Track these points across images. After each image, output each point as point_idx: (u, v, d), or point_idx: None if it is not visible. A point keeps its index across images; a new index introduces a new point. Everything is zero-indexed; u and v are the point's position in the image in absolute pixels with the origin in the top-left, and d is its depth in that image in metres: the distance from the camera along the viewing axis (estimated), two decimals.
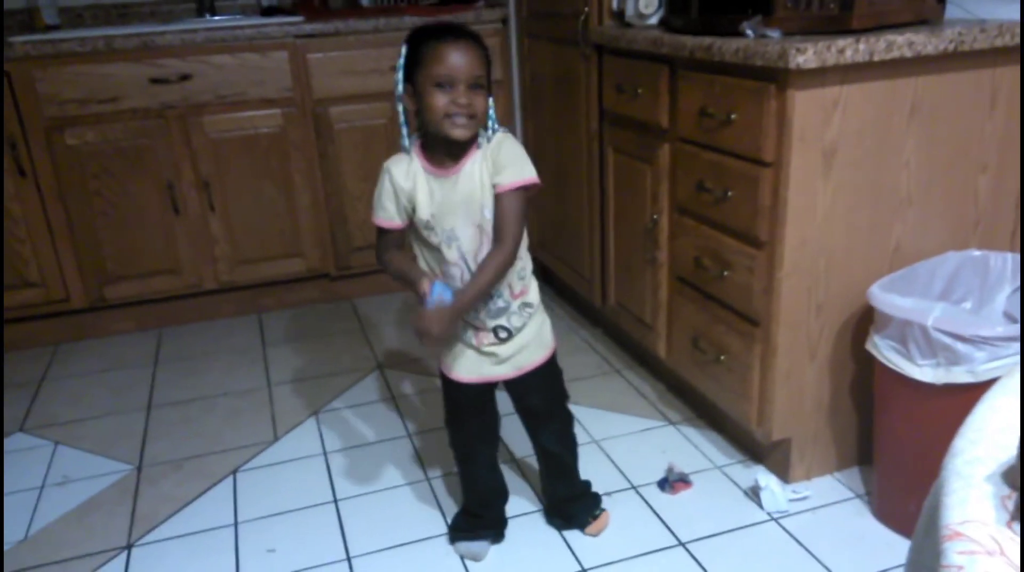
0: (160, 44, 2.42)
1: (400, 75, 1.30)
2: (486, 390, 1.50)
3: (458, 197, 1.32)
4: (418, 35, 1.29)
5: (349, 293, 2.89)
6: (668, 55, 1.74)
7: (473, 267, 1.36)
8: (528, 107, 2.71)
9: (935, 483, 0.65)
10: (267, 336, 2.64)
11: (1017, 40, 1.50)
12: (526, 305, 1.43)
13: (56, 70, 2.36)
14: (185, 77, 2.46)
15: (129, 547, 1.67)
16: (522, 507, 1.71)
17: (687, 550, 1.57)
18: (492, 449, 1.58)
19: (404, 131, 1.35)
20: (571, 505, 1.63)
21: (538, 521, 1.67)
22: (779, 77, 1.43)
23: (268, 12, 2.87)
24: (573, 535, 1.62)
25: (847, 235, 1.55)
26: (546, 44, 2.45)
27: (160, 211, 2.56)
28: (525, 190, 1.31)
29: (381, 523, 1.69)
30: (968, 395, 1.32)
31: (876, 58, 1.42)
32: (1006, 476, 0.62)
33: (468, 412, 1.51)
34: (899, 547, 1.52)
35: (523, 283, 1.42)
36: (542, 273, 2.75)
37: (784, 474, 1.73)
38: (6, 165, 2.39)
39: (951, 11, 1.67)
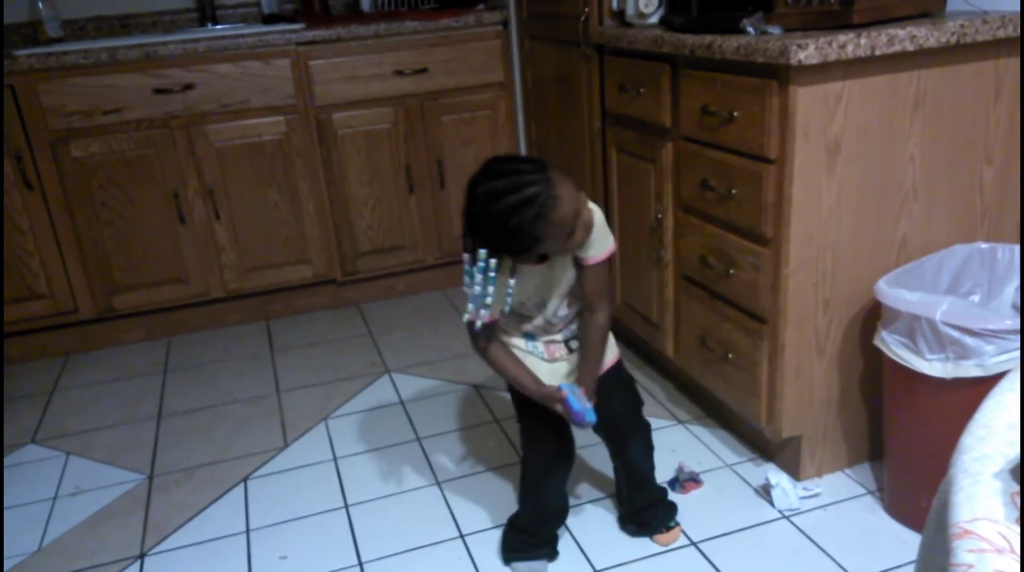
0: (163, 54, 2.43)
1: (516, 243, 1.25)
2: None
3: (553, 279, 1.37)
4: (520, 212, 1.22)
5: (356, 298, 2.90)
6: (669, 54, 1.74)
7: (553, 319, 1.41)
8: (530, 109, 2.71)
9: (943, 481, 0.65)
10: (275, 343, 2.64)
11: (1020, 31, 1.49)
12: (573, 331, 1.47)
13: (60, 82, 2.37)
14: (188, 86, 2.47)
15: (142, 556, 1.67)
16: None
17: (699, 549, 1.57)
18: (567, 469, 1.54)
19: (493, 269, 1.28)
20: (648, 512, 1.61)
21: None
22: (781, 74, 1.43)
23: (270, 20, 2.88)
24: (585, 535, 1.62)
25: (853, 230, 1.55)
26: (547, 45, 2.45)
27: (166, 220, 2.57)
28: (609, 258, 1.38)
29: (392, 528, 1.69)
30: (978, 389, 1.31)
31: (878, 52, 1.41)
32: (1015, 473, 0.62)
33: (546, 429, 1.47)
34: (911, 542, 1.51)
35: (575, 317, 1.45)
36: None
37: (795, 471, 1.73)
38: (13, 178, 2.40)
39: (952, 3, 1.66)
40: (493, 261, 1.25)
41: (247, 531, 1.72)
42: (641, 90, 1.88)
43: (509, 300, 1.32)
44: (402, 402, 2.21)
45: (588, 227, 1.30)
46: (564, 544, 1.61)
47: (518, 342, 1.45)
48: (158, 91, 2.45)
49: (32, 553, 1.71)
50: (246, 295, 2.75)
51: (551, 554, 1.57)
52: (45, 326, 2.60)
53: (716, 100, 1.61)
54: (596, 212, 1.33)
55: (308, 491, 1.84)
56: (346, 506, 1.78)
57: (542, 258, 1.34)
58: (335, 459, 1.96)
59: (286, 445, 2.04)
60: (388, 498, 1.80)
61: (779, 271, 1.54)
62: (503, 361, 1.41)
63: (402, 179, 2.75)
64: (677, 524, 1.62)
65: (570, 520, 1.66)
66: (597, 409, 1.41)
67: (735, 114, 1.55)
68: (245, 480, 1.90)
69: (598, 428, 1.45)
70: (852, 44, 1.39)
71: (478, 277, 1.27)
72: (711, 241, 1.72)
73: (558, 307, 1.40)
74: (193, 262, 2.63)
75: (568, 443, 1.52)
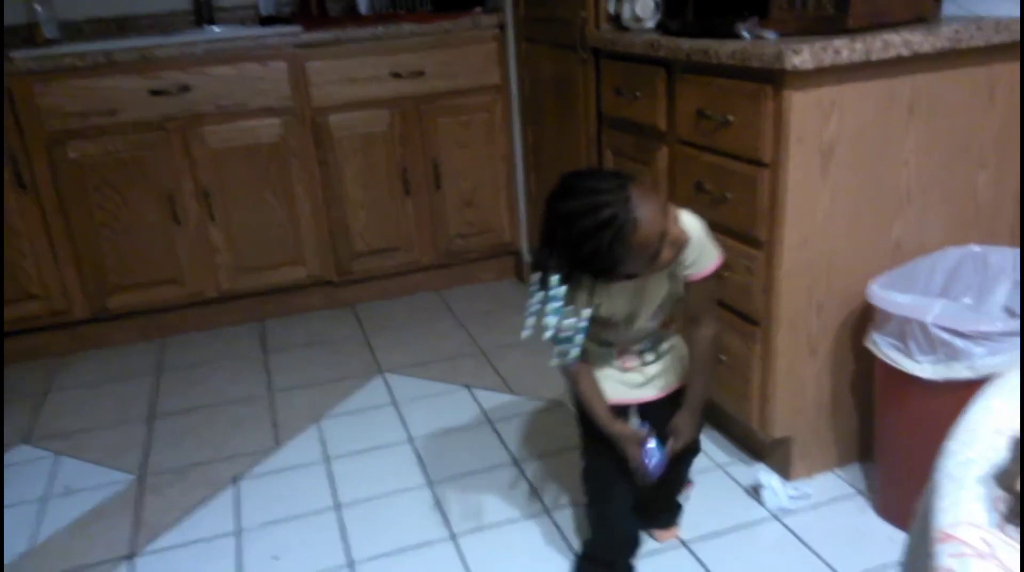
0: (160, 56, 2.43)
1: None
2: (626, 416, 1.43)
3: (646, 294, 1.30)
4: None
5: (351, 299, 2.90)
6: (665, 58, 1.74)
7: (639, 333, 1.35)
8: (527, 112, 2.71)
9: (927, 485, 0.65)
10: (269, 344, 2.64)
11: (1015, 37, 1.49)
12: (668, 329, 1.42)
13: (57, 84, 2.37)
14: (185, 88, 2.47)
15: (133, 556, 1.67)
16: (522, 510, 1.71)
17: (689, 549, 1.57)
18: (631, 487, 1.43)
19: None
20: (662, 511, 1.60)
21: (541, 523, 1.67)
22: (775, 78, 1.43)
23: (267, 22, 2.88)
24: (576, 536, 1.62)
25: (847, 234, 1.55)
26: (544, 49, 2.46)
27: (161, 222, 2.56)
28: (718, 270, 1.31)
29: (384, 528, 1.69)
30: (968, 391, 1.31)
31: (873, 58, 1.41)
32: (998, 478, 0.62)
33: (611, 446, 1.38)
34: (901, 543, 1.50)
35: (670, 312, 1.40)
36: None
37: (786, 472, 1.73)
38: (8, 179, 2.40)
39: (948, 8, 1.67)
40: (562, 289, 1.19)
41: (238, 531, 1.72)
42: (637, 94, 1.89)
43: (584, 324, 1.24)
44: (395, 403, 2.21)
45: (678, 245, 1.22)
46: (552, 539, 1.61)
47: (591, 346, 1.36)
48: (154, 93, 2.45)
49: (23, 553, 1.70)
50: (240, 296, 2.75)
51: None
52: (38, 327, 2.59)
53: (711, 104, 1.61)
54: (694, 225, 1.26)
55: (300, 491, 1.84)
56: (338, 506, 1.78)
57: (631, 275, 1.24)
58: (327, 459, 1.96)
59: (278, 445, 2.04)
60: (380, 498, 1.80)
61: (772, 274, 1.55)
62: (586, 385, 1.34)
63: (398, 181, 2.75)
64: (677, 523, 1.62)
65: (560, 521, 1.67)
66: (659, 433, 1.36)
67: (730, 118, 1.55)
68: (237, 480, 1.90)
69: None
70: (847, 49, 1.39)
71: (538, 300, 1.21)
72: None
73: (648, 321, 1.34)
74: (188, 263, 2.63)
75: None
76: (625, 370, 1.40)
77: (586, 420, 1.41)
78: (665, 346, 1.42)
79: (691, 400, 1.39)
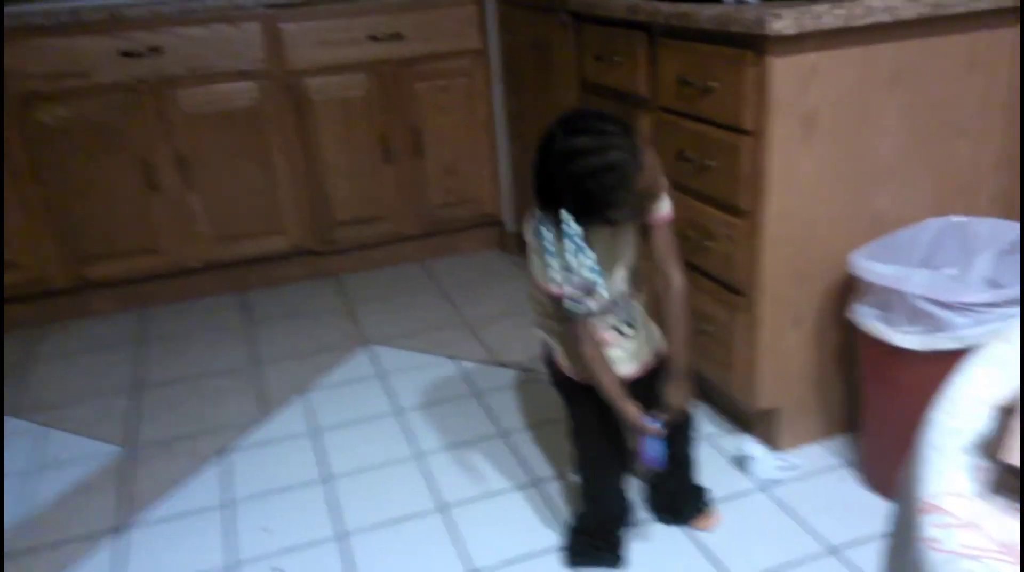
0: (129, 16, 2.36)
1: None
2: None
3: (617, 248, 1.28)
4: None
5: (334, 269, 2.88)
6: (645, 22, 1.72)
7: (613, 296, 1.29)
8: (508, 76, 2.68)
9: (911, 455, 0.66)
10: (252, 314, 2.62)
11: (999, 3, 1.49)
12: (641, 301, 1.41)
13: (21, 43, 2.30)
14: (155, 50, 2.41)
15: (120, 528, 1.67)
16: (511, 481, 1.73)
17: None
18: (624, 458, 1.43)
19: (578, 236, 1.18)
20: (679, 498, 1.55)
21: (530, 496, 1.68)
22: (757, 44, 1.42)
23: None
24: (565, 507, 1.64)
25: (829, 203, 1.55)
26: (523, 12, 2.42)
27: (137, 189, 2.52)
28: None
29: (373, 500, 1.70)
30: (951, 361, 1.32)
31: (854, 23, 1.40)
32: (982, 447, 0.63)
33: (601, 417, 1.36)
34: (887, 513, 1.54)
35: (638, 285, 1.38)
36: (521, 245, 2.74)
37: (771, 443, 1.75)
38: None
39: None
40: (575, 226, 1.14)
41: (226, 503, 1.72)
42: (617, 59, 1.87)
43: (598, 268, 1.19)
44: (380, 374, 2.20)
45: (658, 197, 1.23)
46: (540, 510, 1.62)
47: (559, 327, 1.33)
48: (124, 54, 2.39)
49: (9, 526, 1.70)
50: (221, 266, 2.72)
51: (615, 560, 1.47)
52: (15, 296, 2.55)
53: (693, 70, 1.60)
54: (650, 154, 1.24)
55: (287, 463, 1.84)
56: (327, 478, 1.79)
57: (612, 222, 1.22)
58: (314, 431, 1.96)
59: (264, 417, 2.03)
60: (368, 470, 1.80)
61: (755, 243, 1.55)
62: (597, 357, 1.28)
63: (378, 148, 2.71)
64: (709, 504, 1.56)
65: (547, 489, 1.68)
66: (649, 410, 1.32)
67: (712, 85, 1.54)
68: (224, 452, 1.90)
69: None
70: (828, 15, 1.38)
71: (551, 239, 1.17)
72: (688, 213, 1.72)
73: (621, 281, 1.31)
74: (166, 232, 2.59)
75: (619, 430, 1.39)
76: (610, 347, 1.35)
77: (576, 400, 1.39)
78: (638, 318, 1.39)
79: (676, 366, 1.35)
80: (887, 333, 1.42)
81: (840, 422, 1.78)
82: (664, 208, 1.30)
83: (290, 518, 1.67)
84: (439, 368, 2.21)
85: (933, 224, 1.58)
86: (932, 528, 0.57)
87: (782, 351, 1.65)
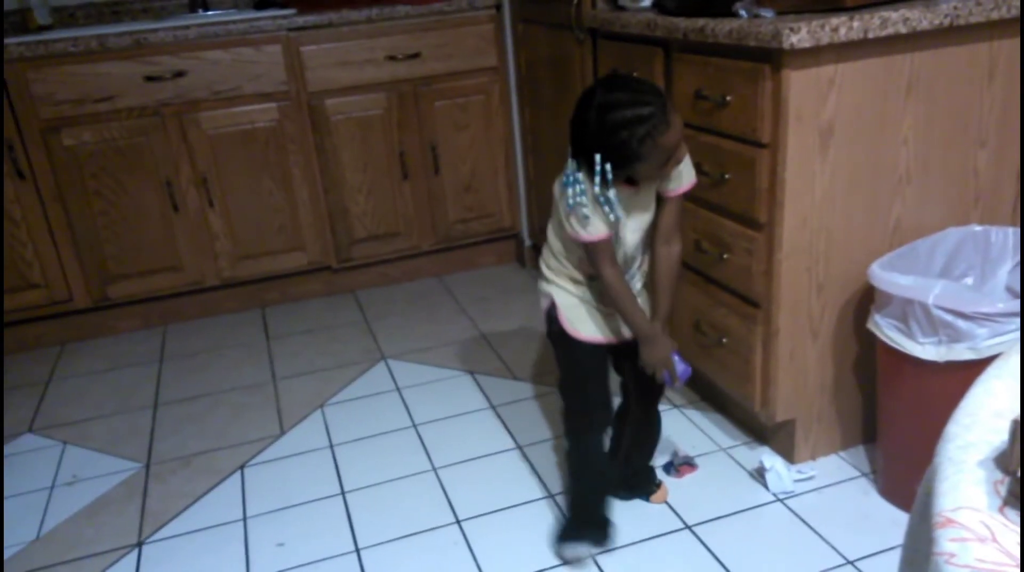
0: (153, 41, 2.41)
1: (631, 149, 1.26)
2: (607, 354, 1.50)
3: (638, 208, 1.38)
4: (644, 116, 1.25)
5: (351, 285, 2.90)
6: (662, 38, 1.73)
7: (627, 257, 1.42)
8: (524, 93, 2.69)
9: (928, 469, 0.65)
10: (271, 330, 2.64)
11: (1014, 12, 1.48)
12: (644, 272, 1.50)
13: (50, 71, 2.35)
14: (179, 74, 2.45)
15: (139, 544, 1.68)
16: (526, 495, 1.72)
17: (693, 533, 1.58)
18: (607, 422, 1.54)
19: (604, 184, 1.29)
20: (640, 474, 1.68)
21: (545, 508, 1.68)
22: (773, 57, 1.42)
23: (260, 5, 2.86)
24: None
25: (846, 214, 1.55)
26: (540, 29, 2.44)
27: (160, 209, 2.56)
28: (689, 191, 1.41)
29: (389, 514, 1.70)
30: (970, 372, 1.31)
31: (871, 35, 1.40)
32: (999, 461, 0.62)
33: (590, 375, 1.49)
34: (904, 525, 1.52)
35: (646, 256, 1.49)
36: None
37: (789, 455, 1.73)
38: (5, 168, 2.39)
39: None
40: (608, 166, 1.26)
41: (244, 518, 1.73)
42: (634, 74, 1.87)
43: (621, 216, 1.32)
44: (398, 389, 2.21)
45: (680, 161, 1.33)
46: (556, 524, 1.61)
47: (572, 287, 1.45)
48: (149, 79, 2.43)
49: (30, 542, 1.72)
50: (241, 283, 2.75)
51: (601, 537, 1.54)
52: (40, 316, 2.60)
53: (709, 84, 1.60)
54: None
55: (305, 478, 1.85)
56: (343, 493, 1.79)
57: (630, 181, 1.34)
58: (331, 446, 1.97)
59: (282, 432, 2.05)
60: (384, 484, 1.81)
61: (773, 256, 1.54)
62: (625, 288, 1.39)
63: (396, 165, 2.74)
64: (661, 481, 1.70)
65: (563, 503, 1.67)
66: (633, 374, 1.48)
67: (728, 98, 1.54)
68: (242, 468, 1.91)
69: (632, 381, 1.54)
70: (845, 27, 1.38)
71: (584, 187, 1.29)
72: (705, 226, 1.72)
73: (636, 245, 1.41)
74: (187, 250, 2.63)
75: (606, 392, 1.51)
76: (608, 309, 1.46)
77: (569, 356, 1.49)
78: (640, 285, 1.48)
79: (659, 315, 1.45)
80: (905, 344, 1.41)
81: (857, 433, 1.76)
82: (683, 181, 1.37)
83: (307, 533, 1.67)
84: (456, 382, 2.21)
85: (952, 233, 1.57)
86: (948, 542, 0.56)
87: (800, 363, 1.63)
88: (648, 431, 1.65)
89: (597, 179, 1.27)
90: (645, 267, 1.49)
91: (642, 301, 1.46)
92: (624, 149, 1.24)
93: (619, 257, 1.40)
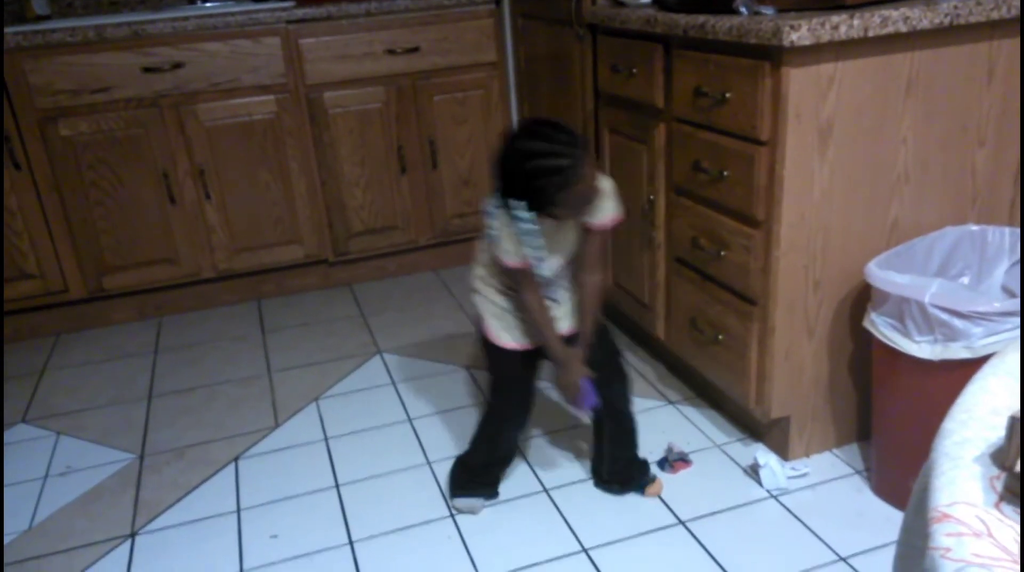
0: (151, 32, 2.40)
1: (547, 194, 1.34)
2: (535, 358, 1.57)
3: (561, 238, 1.45)
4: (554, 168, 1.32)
5: (348, 279, 2.89)
6: (662, 34, 1.73)
7: (550, 278, 1.48)
8: (523, 88, 2.69)
9: (925, 464, 0.65)
10: (267, 323, 2.64)
11: (1014, 12, 1.48)
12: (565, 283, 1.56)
13: (48, 61, 2.34)
14: (177, 65, 2.44)
15: (133, 535, 1.68)
16: (520, 489, 1.72)
17: (687, 528, 1.58)
18: (526, 418, 1.65)
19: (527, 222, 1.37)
20: (630, 468, 1.69)
21: (538, 502, 1.68)
22: (773, 55, 1.42)
23: None
24: (573, 515, 1.63)
25: (844, 213, 1.55)
26: (540, 25, 2.43)
27: (156, 200, 2.55)
28: (613, 226, 1.49)
29: (383, 507, 1.70)
30: (966, 371, 1.32)
31: (871, 34, 1.40)
32: (995, 456, 0.62)
33: (517, 379, 1.59)
34: (897, 522, 1.51)
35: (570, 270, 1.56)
36: None
37: (783, 451, 1.74)
38: (2, 158, 2.38)
39: None
40: (527, 213, 1.34)
41: (238, 510, 1.73)
42: (634, 70, 1.87)
43: (540, 250, 1.40)
44: (393, 383, 2.21)
45: (595, 202, 1.40)
46: (553, 524, 1.62)
47: (496, 298, 1.52)
48: (147, 70, 2.42)
49: (23, 532, 1.71)
50: (237, 275, 2.75)
51: (491, 494, 1.69)
52: (35, 306, 2.59)
53: (709, 81, 1.60)
54: (606, 184, 1.43)
55: (299, 471, 1.85)
56: (337, 485, 1.79)
57: (555, 216, 1.41)
58: (326, 439, 1.97)
59: (277, 425, 2.04)
60: (379, 477, 1.81)
61: (770, 253, 1.54)
62: (543, 312, 1.47)
63: (394, 159, 2.73)
64: (656, 475, 1.71)
65: (559, 500, 1.68)
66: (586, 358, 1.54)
67: (728, 95, 1.54)
68: (236, 460, 1.91)
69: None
70: (845, 25, 1.38)
71: (506, 221, 1.36)
72: (703, 223, 1.72)
73: (557, 265, 1.47)
74: (184, 242, 2.62)
75: (531, 393, 1.63)
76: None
77: (498, 363, 1.57)
78: (563, 296, 1.54)
79: (582, 337, 1.53)
80: (901, 342, 1.41)
81: (852, 431, 1.77)
82: (603, 216, 1.44)
83: (301, 525, 1.67)
84: (452, 377, 2.21)
85: (949, 233, 1.57)
86: (944, 537, 0.56)
87: (795, 360, 1.64)
88: (618, 423, 1.66)
89: (520, 224, 1.35)
90: (568, 290, 1.54)
91: (562, 311, 1.52)
92: (541, 195, 1.33)
93: (541, 281, 1.46)
